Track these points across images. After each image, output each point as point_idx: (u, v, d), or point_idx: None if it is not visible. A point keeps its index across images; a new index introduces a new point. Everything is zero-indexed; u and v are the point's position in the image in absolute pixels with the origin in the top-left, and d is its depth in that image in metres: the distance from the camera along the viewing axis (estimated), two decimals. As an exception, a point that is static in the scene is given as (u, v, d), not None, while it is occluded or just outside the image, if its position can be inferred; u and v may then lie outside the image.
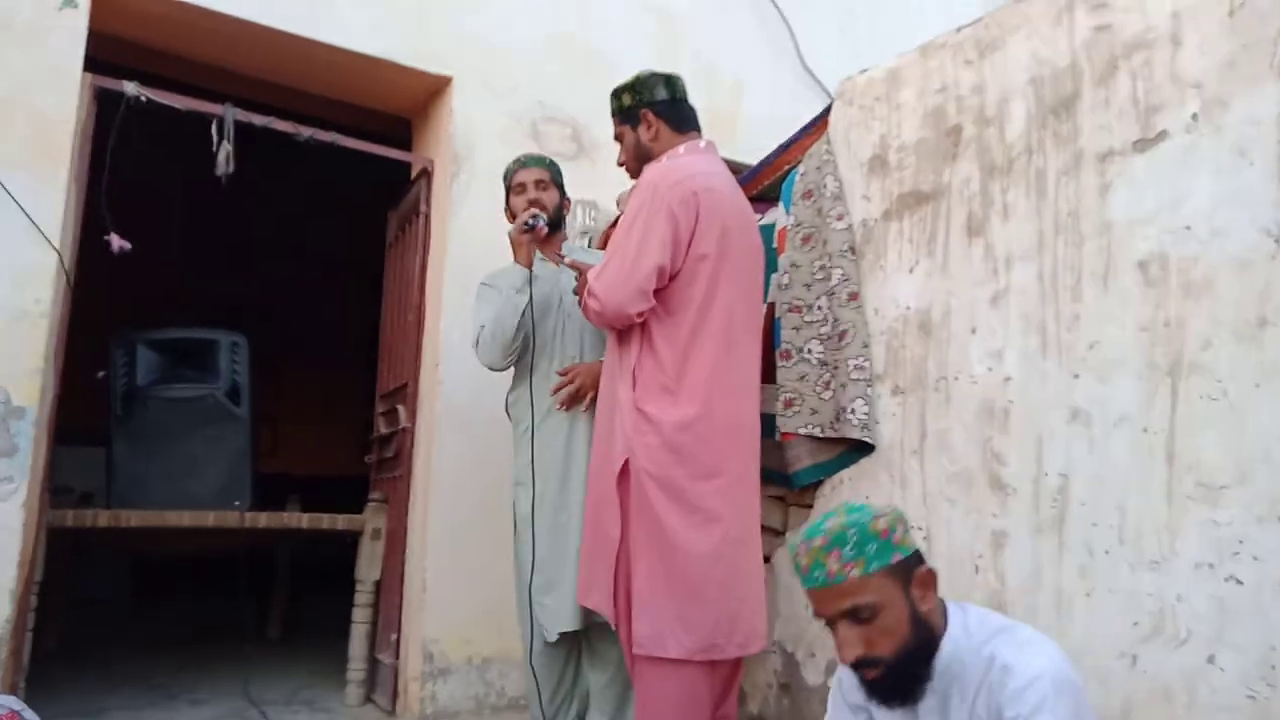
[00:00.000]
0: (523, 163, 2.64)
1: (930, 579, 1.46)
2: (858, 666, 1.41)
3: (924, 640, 1.42)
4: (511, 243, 2.48)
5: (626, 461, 2.07)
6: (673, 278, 2.10)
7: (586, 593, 2.19)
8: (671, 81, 2.28)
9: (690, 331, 2.09)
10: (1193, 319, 1.69)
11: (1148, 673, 1.67)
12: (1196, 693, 1.59)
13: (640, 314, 2.09)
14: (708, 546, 2.02)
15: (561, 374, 2.48)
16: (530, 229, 2.45)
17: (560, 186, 2.66)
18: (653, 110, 2.25)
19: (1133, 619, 1.71)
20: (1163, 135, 1.77)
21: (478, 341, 2.49)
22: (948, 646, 1.43)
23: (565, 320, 2.53)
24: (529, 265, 2.45)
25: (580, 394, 2.44)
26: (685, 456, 2.05)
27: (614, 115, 2.32)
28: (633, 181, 2.34)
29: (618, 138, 2.34)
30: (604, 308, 2.11)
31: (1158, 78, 1.79)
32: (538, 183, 2.59)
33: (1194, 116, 1.72)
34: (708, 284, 2.10)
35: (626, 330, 2.16)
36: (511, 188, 2.62)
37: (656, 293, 2.09)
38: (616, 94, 2.31)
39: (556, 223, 2.61)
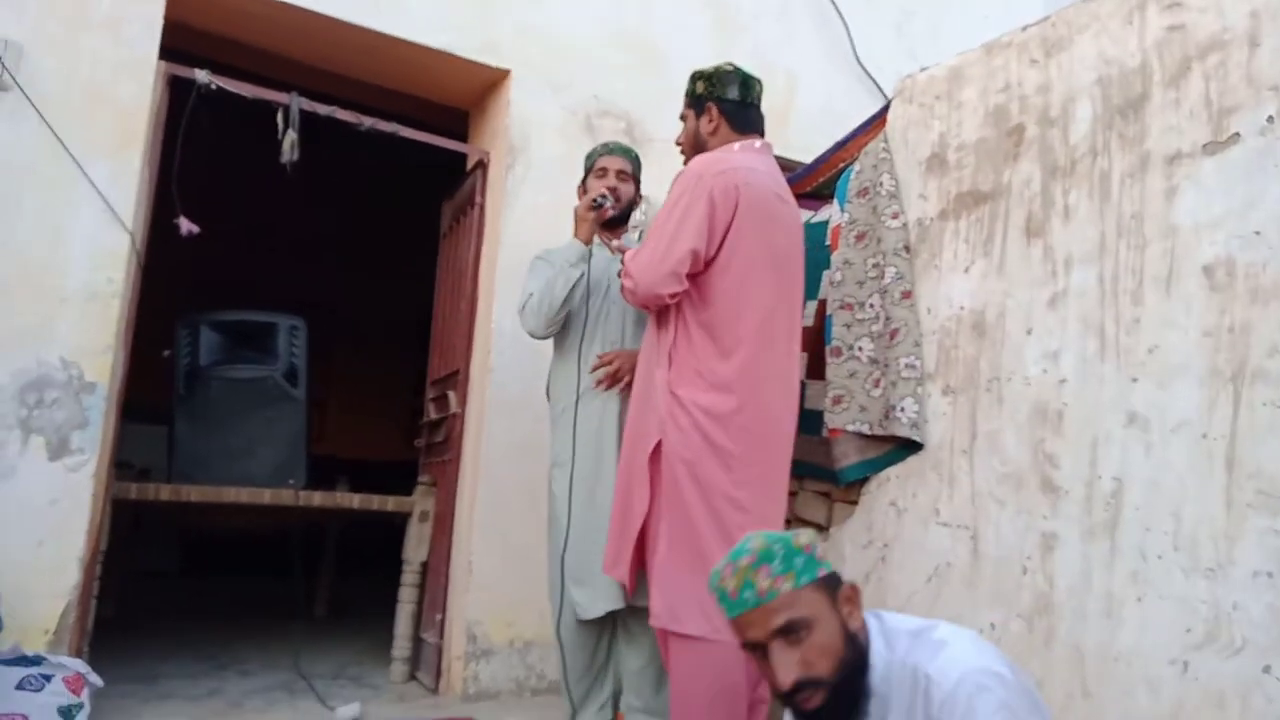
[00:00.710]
0: (610, 149, 2.69)
1: (855, 595, 1.41)
2: (798, 691, 1.32)
3: (859, 657, 1.37)
4: (576, 217, 2.54)
5: (659, 442, 2.11)
6: (708, 265, 2.12)
7: (613, 565, 2.24)
8: (747, 83, 2.30)
9: (726, 323, 2.12)
10: (1260, 325, 1.66)
11: (1199, 680, 1.66)
12: (1251, 701, 1.58)
13: (673, 295, 2.12)
14: (728, 535, 2.04)
15: (601, 357, 2.52)
16: (598, 207, 2.50)
17: (638, 182, 2.70)
18: (719, 105, 2.27)
19: (1185, 625, 1.69)
20: (1235, 138, 1.75)
21: (523, 307, 2.55)
22: (877, 664, 1.38)
23: (610, 306, 2.57)
24: (588, 242, 2.50)
25: (618, 376, 2.48)
26: (716, 445, 2.07)
27: (685, 95, 2.36)
28: (684, 167, 2.37)
29: (682, 118, 2.37)
30: (637, 286, 2.15)
31: (1233, 79, 1.76)
32: (619, 172, 2.63)
33: (1270, 119, 1.70)
34: (741, 277, 2.12)
35: (664, 313, 2.19)
36: (593, 170, 2.66)
37: (693, 279, 2.12)
38: (694, 77, 2.34)
39: (625, 215, 2.64)
